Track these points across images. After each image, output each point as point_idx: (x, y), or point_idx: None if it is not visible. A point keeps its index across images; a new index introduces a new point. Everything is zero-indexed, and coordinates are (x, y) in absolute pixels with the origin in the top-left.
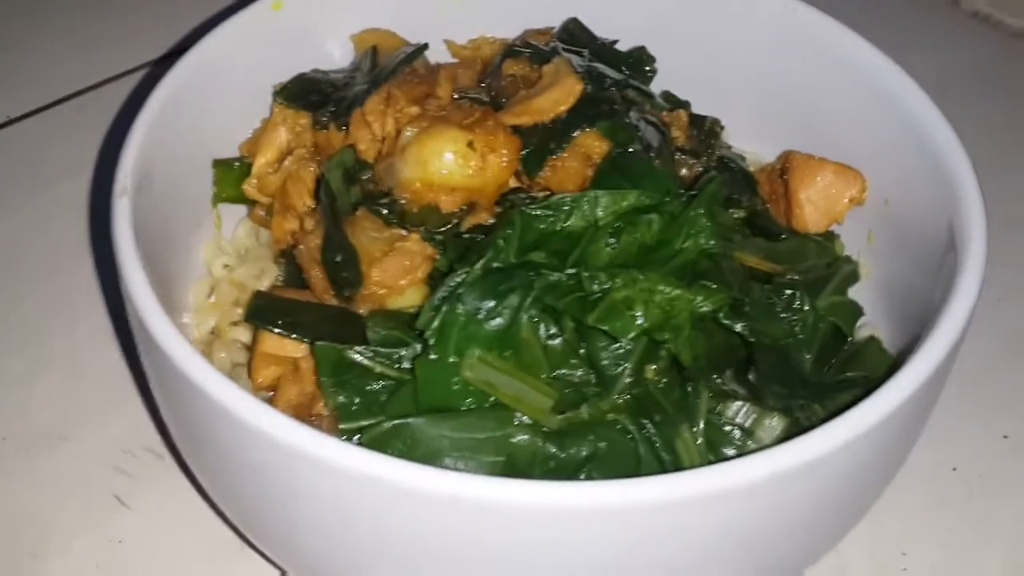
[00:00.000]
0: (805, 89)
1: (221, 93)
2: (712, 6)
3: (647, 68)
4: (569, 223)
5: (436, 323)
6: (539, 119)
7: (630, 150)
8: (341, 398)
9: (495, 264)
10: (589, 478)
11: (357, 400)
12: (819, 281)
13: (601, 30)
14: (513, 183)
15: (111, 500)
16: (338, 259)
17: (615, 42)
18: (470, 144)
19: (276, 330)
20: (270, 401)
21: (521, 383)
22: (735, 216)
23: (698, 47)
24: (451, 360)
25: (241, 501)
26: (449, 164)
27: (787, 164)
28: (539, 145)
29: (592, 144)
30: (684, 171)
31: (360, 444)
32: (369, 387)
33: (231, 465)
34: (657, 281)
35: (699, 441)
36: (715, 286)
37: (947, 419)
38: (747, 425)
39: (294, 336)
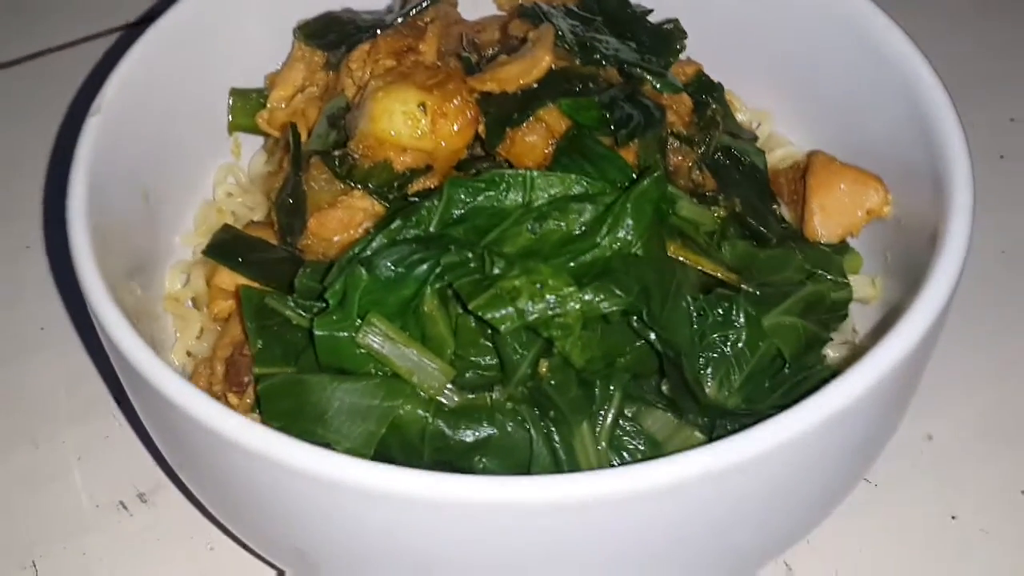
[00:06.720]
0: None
1: (241, 25)
2: None
3: (676, 44)
4: (503, 201)
5: (338, 284)
6: (504, 88)
7: (594, 131)
8: (260, 343)
9: (413, 232)
10: (481, 464)
11: (277, 346)
12: (776, 297)
13: None
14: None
15: None
16: (288, 203)
17: (649, 12)
18: (422, 106)
19: (226, 265)
20: (220, 335)
21: (418, 356)
22: (716, 215)
23: (743, 28)
24: (354, 322)
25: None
26: (398, 123)
27: (808, 165)
28: (500, 115)
29: (554, 120)
30: (680, 158)
31: (258, 391)
32: (289, 335)
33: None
34: (550, 275)
35: (601, 445)
36: (615, 289)
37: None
38: (659, 438)
39: (241, 273)
